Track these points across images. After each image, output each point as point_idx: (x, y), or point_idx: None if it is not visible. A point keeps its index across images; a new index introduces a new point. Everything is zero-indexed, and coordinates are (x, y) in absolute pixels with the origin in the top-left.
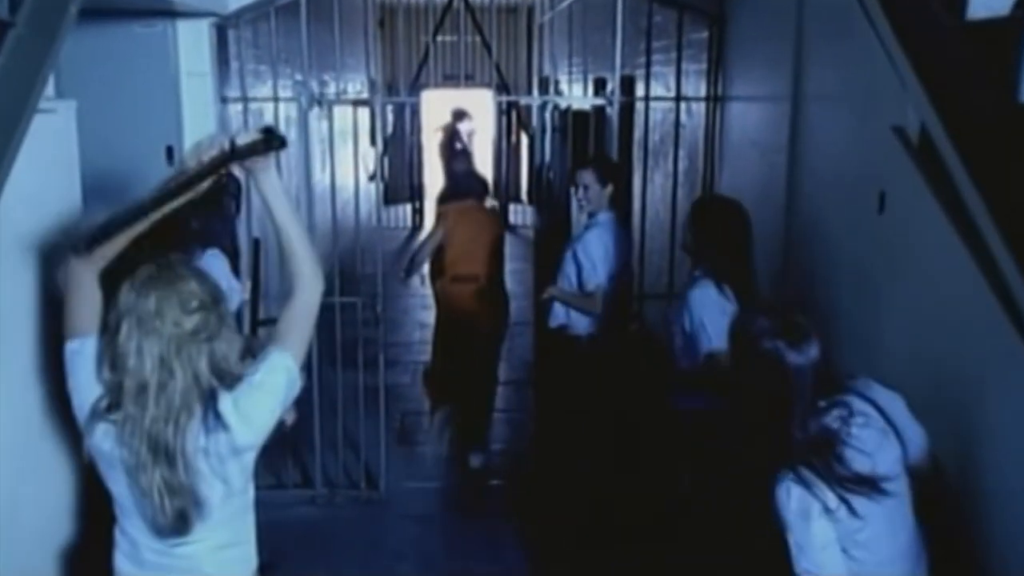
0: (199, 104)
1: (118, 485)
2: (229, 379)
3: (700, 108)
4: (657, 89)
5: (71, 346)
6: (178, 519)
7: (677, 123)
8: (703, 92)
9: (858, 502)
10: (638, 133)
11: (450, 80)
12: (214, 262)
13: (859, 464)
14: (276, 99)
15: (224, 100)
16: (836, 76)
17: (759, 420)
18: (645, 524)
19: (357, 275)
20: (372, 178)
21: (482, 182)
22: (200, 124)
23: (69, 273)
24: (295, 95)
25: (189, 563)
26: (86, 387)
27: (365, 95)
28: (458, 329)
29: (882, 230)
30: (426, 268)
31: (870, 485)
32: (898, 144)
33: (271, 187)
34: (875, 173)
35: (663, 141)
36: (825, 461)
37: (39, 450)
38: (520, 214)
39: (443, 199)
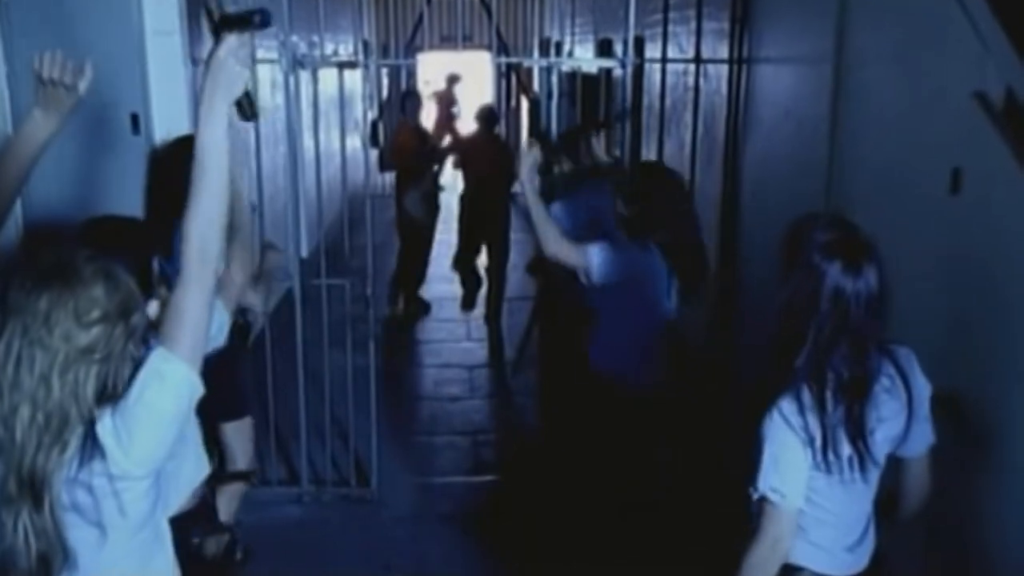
0: (167, 67)
1: None
2: (116, 398)
3: (716, 71)
4: (669, 50)
5: None
6: (41, 564)
7: (697, 87)
8: (720, 53)
9: (835, 465)
10: (647, 98)
11: (447, 42)
12: None
13: (870, 424)
14: (254, 61)
15: (195, 62)
16: (890, 32)
17: (786, 341)
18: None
19: (346, 251)
20: (371, 143)
21: (490, 111)
22: (168, 89)
23: None
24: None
25: None
26: None
27: (360, 58)
28: (473, 222)
29: (956, 213)
30: None
31: (864, 451)
32: (974, 113)
33: (221, 111)
34: (945, 147)
35: (675, 107)
36: (850, 406)
37: None
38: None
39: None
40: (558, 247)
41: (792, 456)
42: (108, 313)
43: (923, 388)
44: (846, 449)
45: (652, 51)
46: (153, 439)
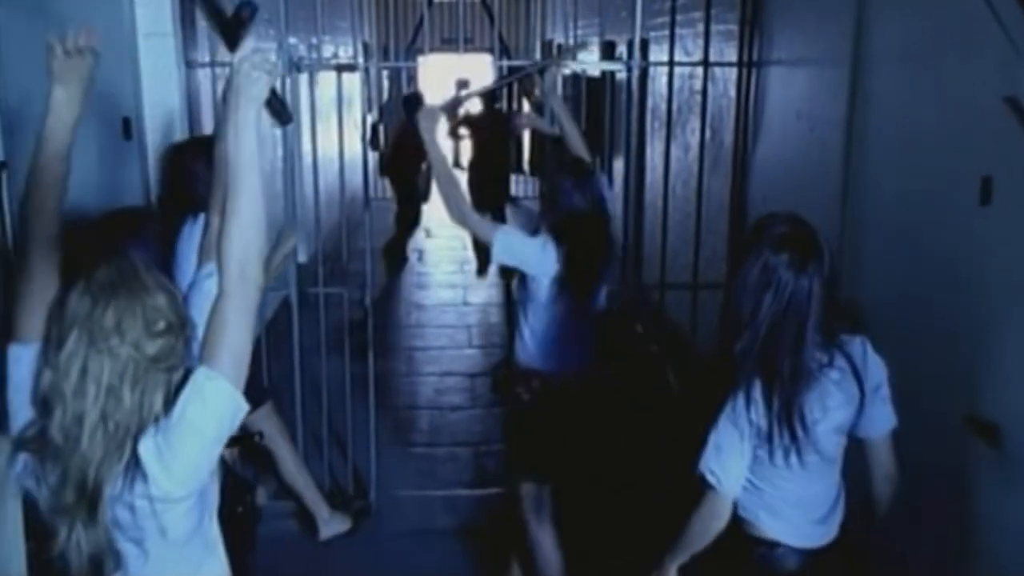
0: (160, 69)
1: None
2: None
3: (723, 74)
4: (675, 53)
5: (12, 351)
6: (94, 568)
7: (705, 91)
8: (727, 55)
9: (780, 453)
10: (651, 101)
11: (448, 44)
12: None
13: (814, 415)
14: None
15: (190, 65)
16: (911, 32)
17: (734, 326)
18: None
19: (344, 257)
20: (371, 144)
21: (490, 92)
22: (161, 92)
23: (24, 253)
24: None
25: None
26: (21, 405)
27: (359, 60)
28: (480, 180)
29: (987, 226)
30: None
31: (803, 438)
32: (1005, 119)
33: (247, 120)
34: (974, 155)
35: (680, 111)
36: (788, 397)
37: None
38: (522, 185)
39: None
40: (463, 216)
41: (733, 448)
42: (172, 324)
43: (877, 373)
44: (787, 438)
45: (656, 54)
46: (195, 458)
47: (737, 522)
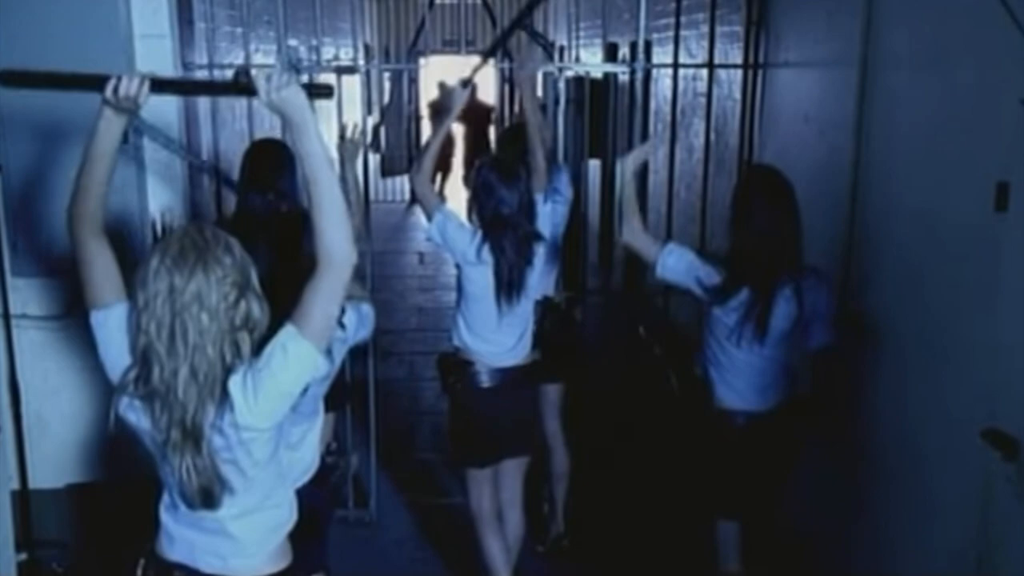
0: (156, 71)
1: (147, 449)
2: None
3: (728, 75)
4: (679, 55)
5: (95, 317)
6: (204, 496)
7: (710, 93)
8: (731, 57)
9: (745, 341)
10: (654, 104)
11: (450, 46)
12: None
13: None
14: (248, 66)
15: (187, 67)
16: (923, 33)
17: (733, 255)
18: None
19: None
20: (371, 146)
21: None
22: (157, 97)
23: (76, 244)
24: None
25: (215, 524)
26: (116, 357)
27: (359, 62)
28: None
29: (1003, 233)
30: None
31: (763, 330)
32: (1022, 122)
33: (309, 135)
34: (989, 159)
35: (683, 112)
36: (757, 302)
37: None
38: None
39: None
40: (421, 181)
41: (679, 277)
42: (238, 283)
43: (820, 302)
44: (749, 331)
45: (660, 56)
46: (274, 399)
47: (707, 399)
